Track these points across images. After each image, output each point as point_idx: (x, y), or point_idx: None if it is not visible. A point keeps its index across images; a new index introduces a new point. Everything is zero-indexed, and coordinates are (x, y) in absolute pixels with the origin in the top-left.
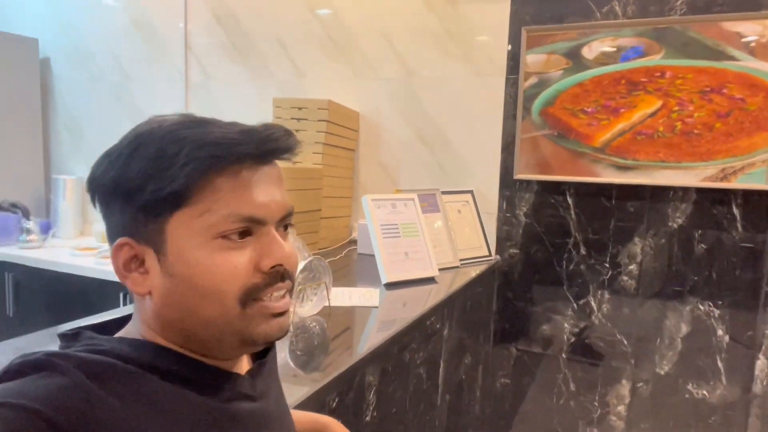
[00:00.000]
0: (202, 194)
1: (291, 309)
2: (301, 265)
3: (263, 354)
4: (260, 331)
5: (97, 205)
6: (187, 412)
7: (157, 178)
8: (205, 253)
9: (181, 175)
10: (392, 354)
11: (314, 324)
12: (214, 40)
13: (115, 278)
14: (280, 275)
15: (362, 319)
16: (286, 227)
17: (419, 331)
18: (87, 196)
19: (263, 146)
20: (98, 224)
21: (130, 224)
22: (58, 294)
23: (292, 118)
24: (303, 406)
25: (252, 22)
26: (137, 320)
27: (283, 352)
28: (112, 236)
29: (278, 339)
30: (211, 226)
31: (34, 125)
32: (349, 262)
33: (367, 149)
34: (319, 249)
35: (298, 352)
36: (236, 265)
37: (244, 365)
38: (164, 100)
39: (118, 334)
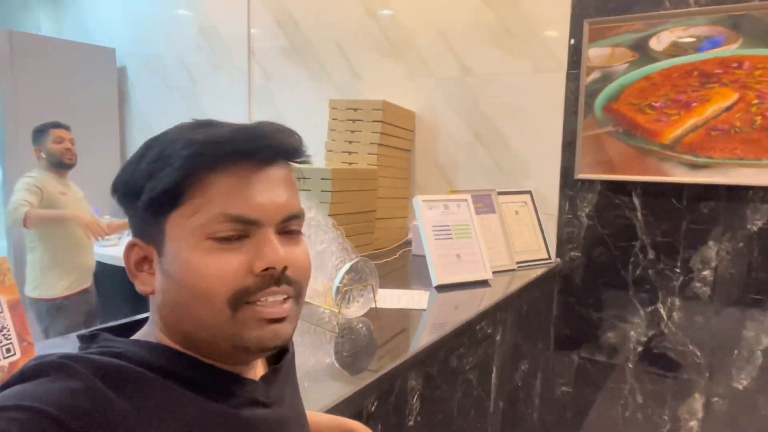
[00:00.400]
0: (194, 194)
1: (290, 315)
2: (346, 267)
3: (279, 359)
4: (252, 337)
5: (119, 202)
6: (198, 417)
7: (154, 178)
8: (196, 254)
9: (171, 174)
10: (438, 358)
11: (361, 326)
12: (276, 43)
13: None
14: (273, 279)
15: (409, 321)
16: (292, 231)
17: (468, 335)
18: None
19: (252, 143)
20: None
21: (138, 225)
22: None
23: (347, 119)
24: (339, 408)
25: (311, 26)
26: (151, 322)
27: (328, 353)
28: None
29: (275, 347)
30: (201, 226)
31: (112, 130)
32: (402, 264)
33: (423, 149)
34: (374, 250)
35: (344, 354)
36: (225, 266)
37: (259, 370)
38: (229, 103)
39: (134, 336)
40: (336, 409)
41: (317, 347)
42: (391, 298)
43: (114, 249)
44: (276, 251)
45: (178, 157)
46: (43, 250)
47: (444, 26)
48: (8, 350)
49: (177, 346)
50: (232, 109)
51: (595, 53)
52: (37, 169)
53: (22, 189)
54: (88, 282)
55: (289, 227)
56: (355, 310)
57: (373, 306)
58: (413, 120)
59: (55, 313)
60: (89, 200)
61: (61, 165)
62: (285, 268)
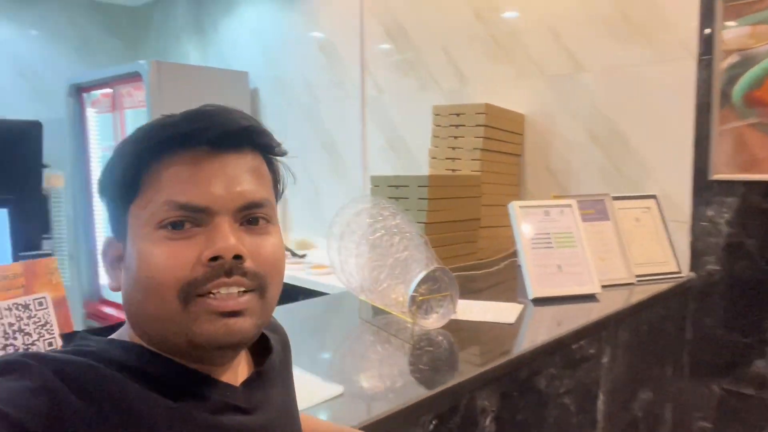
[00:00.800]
0: (148, 184)
1: (249, 309)
2: (421, 275)
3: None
4: (204, 332)
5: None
6: (168, 421)
7: (113, 173)
8: (146, 245)
9: (123, 166)
10: (518, 378)
11: (440, 338)
12: (386, 54)
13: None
14: (224, 269)
15: (491, 336)
16: (257, 222)
17: (561, 354)
18: None
19: (193, 125)
20: (293, 232)
21: (111, 222)
22: None
23: (450, 125)
24: (386, 423)
25: (420, 34)
26: (127, 321)
27: (398, 365)
28: None
29: (232, 344)
30: (152, 215)
31: None
32: (507, 275)
33: (534, 154)
34: (478, 260)
35: (418, 366)
36: (173, 256)
37: (242, 374)
38: (345, 117)
39: (113, 336)
40: (379, 424)
41: (388, 357)
42: (477, 311)
43: None
44: (225, 239)
45: (129, 149)
46: None
47: (553, 21)
48: (50, 344)
49: (151, 346)
50: (348, 122)
51: (731, 34)
52: None
53: None
54: None
55: (251, 216)
56: (434, 322)
57: (453, 317)
58: (522, 123)
59: None
60: None
61: None
62: (239, 258)
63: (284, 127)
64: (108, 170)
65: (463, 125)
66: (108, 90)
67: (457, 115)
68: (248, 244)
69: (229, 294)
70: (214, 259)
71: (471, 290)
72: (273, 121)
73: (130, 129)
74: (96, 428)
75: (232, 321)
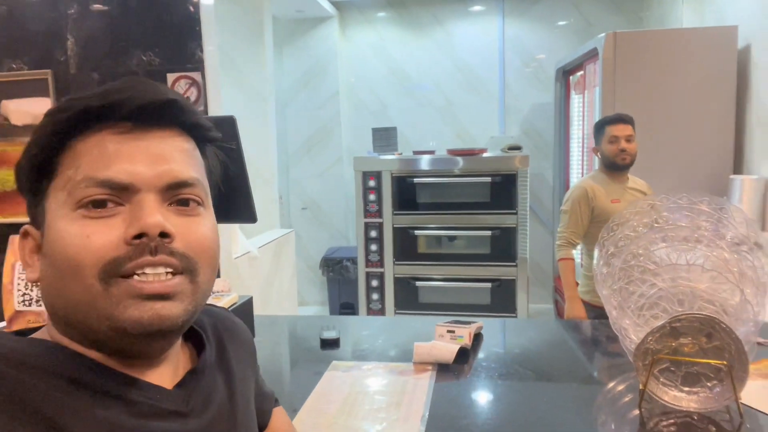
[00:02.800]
0: (65, 164)
1: (179, 293)
2: (664, 320)
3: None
4: (128, 316)
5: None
6: (89, 429)
7: (29, 155)
8: (65, 225)
9: (39, 146)
10: None
11: (709, 425)
12: None
13: None
14: (149, 247)
15: None
16: (187, 202)
17: None
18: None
19: (106, 100)
20: None
21: (28, 211)
22: None
23: None
24: None
25: None
26: (48, 318)
27: None
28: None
29: (161, 330)
30: (70, 195)
31: (727, 119)
32: None
33: None
34: None
35: None
36: (93, 235)
37: (180, 374)
38: None
39: (35, 334)
40: None
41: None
42: None
43: None
44: (150, 215)
45: (43, 130)
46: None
47: None
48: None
49: (74, 345)
50: None
51: None
52: (596, 170)
53: (569, 209)
54: None
55: (180, 196)
56: (694, 401)
57: (733, 401)
58: None
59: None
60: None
61: (614, 167)
62: (166, 236)
63: None
64: (23, 156)
65: None
66: (581, 71)
67: None
68: (177, 224)
69: (155, 275)
70: (138, 237)
71: None
72: (766, 88)
73: (596, 108)
74: None
75: (159, 305)
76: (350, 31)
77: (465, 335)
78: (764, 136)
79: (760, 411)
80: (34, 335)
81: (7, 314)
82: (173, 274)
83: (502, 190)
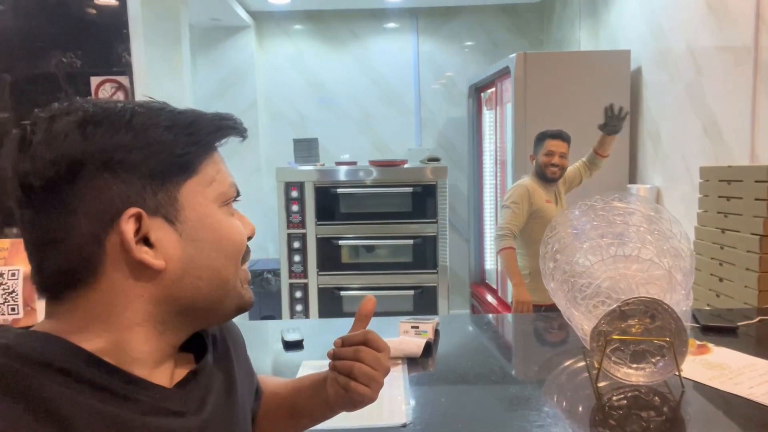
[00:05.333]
0: (206, 166)
1: None
2: (616, 305)
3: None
4: (249, 296)
5: (73, 180)
6: (92, 423)
7: (168, 148)
8: (223, 218)
9: (192, 147)
10: None
11: (654, 397)
12: None
13: None
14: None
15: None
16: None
17: None
18: None
19: (237, 125)
20: None
21: (135, 196)
22: None
23: None
24: None
25: None
26: (63, 319)
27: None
28: (100, 214)
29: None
30: (220, 194)
31: (622, 133)
32: None
33: None
34: None
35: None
36: (240, 227)
37: (178, 374)
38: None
39: (35, 327)
40: None
41: (567, 417)
42: (738, 373)
43: None
44: (250, 222)
45: (183, 137)
46: (524, 258)
47: None
48: (13, 309)
49: (83, 343)
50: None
51: None
52: (531, 175)
53: (512, 204)
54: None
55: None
56: (642, 375)
57: (675, 373)
58: None
59: None
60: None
61: (544, 177)
62: None
63: (665, 108)
64: (151, 151)
65: None
66: (492, 89)
67: None
68: None
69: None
70: (250, 236)
71: None
72: (655, 103)
73: (508, 123)
74: (11, 429)
75: (250, 291)
76: (267, 42)
77: (428, 329)
78: (654, 149)
79: (695, 381)
80: (36, 328)
81: None
82: None
83: (423, 200)
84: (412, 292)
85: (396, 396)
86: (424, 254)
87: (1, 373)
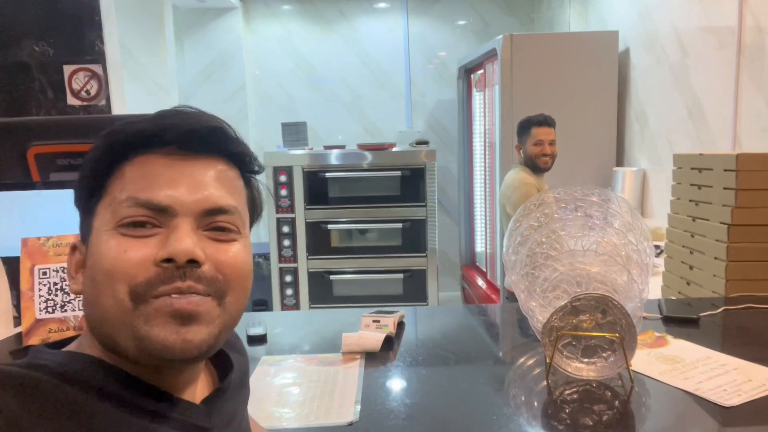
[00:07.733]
0: (113, 183)
1: (205, 316)
2: (569, 298)
3: (224, 376)
4: (155, 335)
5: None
6: None
7: (84, 173)
8: (105, 240)
9: (91, 167)
10: None
11: (605, 392)
12: None
13: None
14: (176, 273)
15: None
16: (223, 229)
17: None
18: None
19: (155, 125)
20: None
21: (80, 227)
22: None
23: None
24: None
25: None
26: (88, 330)
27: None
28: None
29: (187, 354)
30: (114, 213)
31: (609, 115)
32: None
33: None
34: None
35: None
36: (129, 254)
37: (201, 392)
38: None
39: (70, 347)
40: None
41: (522, 411)
42: (691, 367)
43: None
44: (180, 241)
45: (96, 153)
46: None
47: None
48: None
49: (109, 358)
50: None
51: None
52: (521, 165)
53: (522, 185)
54: None
55: (216, 223)
56: (593, 370)
57: (625, 367)
58: None
59: None
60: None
61: (536, 168)
62: (194, 261)
63: (650, 92)
64: (78, 174)
65: None
66: (481, 70)
67: None
68: (209, 249)
69: (183, 297)
70: (168, 261)
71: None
72: (643, 86)
73: (496, 106)
74: None
75: (186, 329)
76: (255, 24)
77: (389, 324)
78: (641, 132)
79: (646, 376)
80: (68, 348)
81: (26, 323)
82: (202, 297)
83: (412, 183)
84: (401, 275)
85: (348, 394)
86: (414, 238)
87: (29, 386)
